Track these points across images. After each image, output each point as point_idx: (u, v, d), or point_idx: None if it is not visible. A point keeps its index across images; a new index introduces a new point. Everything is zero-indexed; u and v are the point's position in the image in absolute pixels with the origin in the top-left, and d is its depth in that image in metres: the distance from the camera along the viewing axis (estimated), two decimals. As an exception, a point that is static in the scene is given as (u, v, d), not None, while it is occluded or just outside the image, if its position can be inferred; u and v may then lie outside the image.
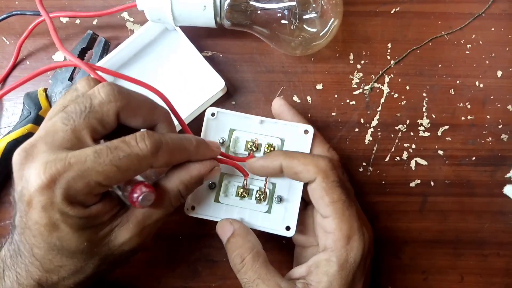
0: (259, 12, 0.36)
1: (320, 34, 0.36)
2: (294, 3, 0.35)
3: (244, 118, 0.35)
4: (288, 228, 0.34)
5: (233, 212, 0.35)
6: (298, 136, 0.34)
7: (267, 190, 0.35)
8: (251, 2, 0.36)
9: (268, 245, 0.34)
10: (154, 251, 0.40)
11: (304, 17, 0.35)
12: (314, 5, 0.35)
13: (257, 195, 0.34)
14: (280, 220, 0.34)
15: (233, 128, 0.35)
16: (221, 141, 0.35)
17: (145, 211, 0.29)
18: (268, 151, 0.34)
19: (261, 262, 0.31)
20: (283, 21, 0.35)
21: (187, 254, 0.40)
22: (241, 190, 0.35)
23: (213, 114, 0.35)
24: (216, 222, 0.34)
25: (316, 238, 0.33)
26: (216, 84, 0.38)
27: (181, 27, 0.38)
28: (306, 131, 0.34)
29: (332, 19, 0.36)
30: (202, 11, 0.35)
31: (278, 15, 0.35)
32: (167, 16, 0.36)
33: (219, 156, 0.33)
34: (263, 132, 0.35)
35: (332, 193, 0.31)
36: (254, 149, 0.35)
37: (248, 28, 0.37)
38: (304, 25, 0.36)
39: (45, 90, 0.39)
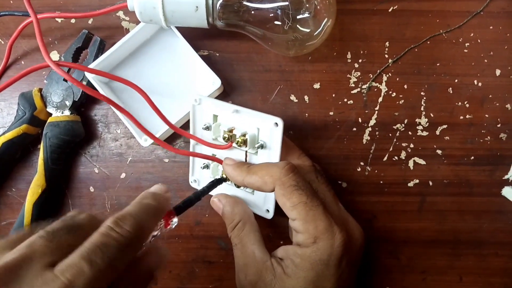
0: (252, 12, 0.35)
1: (314, 34, 0.36)
2: (287, 3, 0.34)
3: (222, 106, 0.36)
4: (267, 210, 0.36)
5: (225, 187, 0.38)
6: (269, 127, 0.34)
7: None
8: (243, 2, 0.35)
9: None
10: (151, 252, 0.40)
11: (298, 17, 0.35)
12: (307, 5, 0.35)
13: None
14: (262, 203, 0.37)
15: (216, 114, 0.36)
16: (206, 126, 0.37)
17: None
18: (240, 143, 0.35)
19: (245, 231, 0.34)
20: (276, 22, 0.35)
21: (184, 256, 0.40)
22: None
23: (197, 101, 0.36)
24: (205, 207, 0.39)
25: None
26: (212, 83, 0.38)
27: (176, 26, 0.38)
28: (276, 124, 0.34)
29: (326, 19, 0.36)
30: (194, 12, 0.35)
31: (271, 15, 0.35)
32: (159, 17, 0.35)
33: (203, 148, 0.36)
34: (240, 120, 0.35)
35: (291, 197, 0.31)
36: (230, 138, 0.35)
37: (241, 28, 0.37)
38: (297, 25, 0.35)
39: (40, 90, 0.39)
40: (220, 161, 0.36)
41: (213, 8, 0.35)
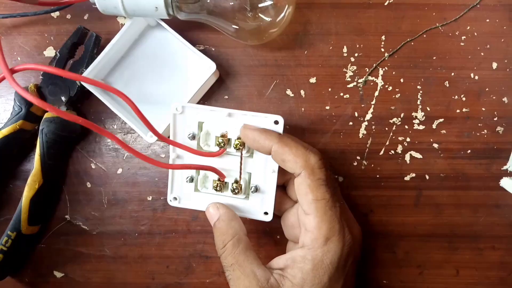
0: (211, 3, 0.35)
1: (275, 22, 0.36)
2: None
3: (211, 112, 0.34)
4: (266, 213, 0.35)
5: (213, 201, 0.35)
6: (268, 127, 0.33)
7: (242, 182, 0.35)
8: None
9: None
10: (148, 247, 0.40)
11: (259, 5, 0.35)
12: None
13: (233, 188, 0.35)
14: (258, 207, 0.35)
15: (201, 121, 0.35)
16: (191, 136, 0.35)
17: None
18: (238, 146, 0.34)
19: (241, 248, 0.32)
20: (237, 11, 0.35)
21: (181, 251, 0.40)
22: (218, 183, 0.35)
23: (178, 109, 0.34)
24: (200, 211, 0.36)
25: None
26: (207, 68, 0.37)
27: (169, 22, 0.38)
28: (276, 122, 0.33)
29: (286, 6, 0.36)
30: (155, 11, 0.35)
31: (231, 3, 0.34)
32: (120, 12, 0.36)
33: (193, 158, 0.34)
34: (233, 125, 0.34)
35: (316, 191, 0.30)
36: (224, 144, 0.34)
37: (203, 20, 0.37)
38: (258, 14, 0.35)
39: (36, 86, 0.39)
40: (218, 172, 0.34)
41: (172, 3, 0.35)
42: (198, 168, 0.34)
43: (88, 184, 0.41)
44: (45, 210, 0.40)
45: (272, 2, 0.35)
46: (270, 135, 0.32)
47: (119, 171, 0.40)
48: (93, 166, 0.41)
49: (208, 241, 0.40)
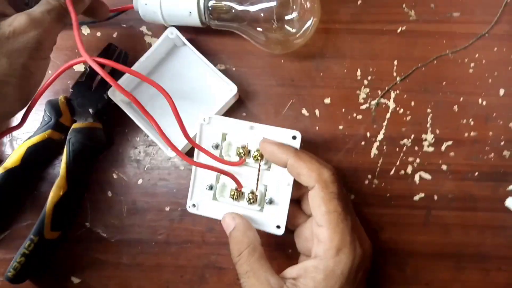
0: (240, 13, 0.38)
1: (300, 33, 0.38)
2: (274, 4, 0.37)
3: (235, 124, 0.37)
4: (278, 226, 0.37)
5: (229, 210, 0.37)
6: (286, 141, 0.36)
7: (258, 193, 0.37)
8: (230, 4, 0.38)
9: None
10: (164, 256, 0.42)
11: (285, 17, 0.37)
12: (294, 6, 0.37)
13: (249, 198, 0.37)
14: (271, 220, 0.37)
15: (225, 133, 0.37)
16: (214, 145, 0.37)
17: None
18: (257, 157, 0.36)
19: (256, 257, 0.33)
20: (264, 22, 0.37)
21: (195, 261, 0.42)
22: (235, 192, 0.37)
23: (206, 120, 0.37)
24: (215, 219, 0.38)
25: None
26: (229, 90, 0.40)
27: (194, 43, 0.41)
28: (294, 137, 0.36)
29: (311, 18, 0.38)
30: (188, 16, 0.39)
31: (260, 16, 0.37)
32: (159, 18, 0.40)
33: (215, 164, 0.36)
34: (254, 137, 0.37)
35: (329, 204, 0.32)
36: (244, 155, 0.36)
37: (233, 28, 0.40)
38: (285, 25, 0.37)
39: (66, 98, 0.41)
40: (237, 180, 0.36)
41: (204, 11, 0.38)
42: (220, 171, 0.36)
43: (109, 193, 0.42)
44: (67, 216, 0.41)
45: (297, 15, 0.37)
46: (287, 149, 0.34)
47: (140, 181, 0.42)
48: (115, 176, 0.42)
49: (222, 253, 0.41)
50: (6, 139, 0.44)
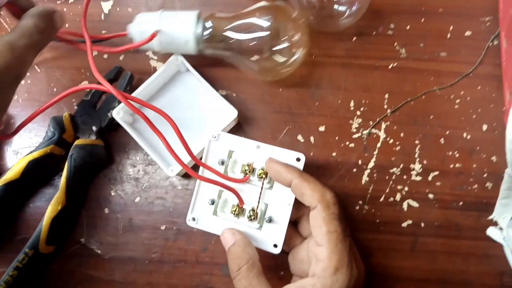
0: (233, 43, 0.40)
1: (289, 62, 0.41)
2: (267, 33, 0.39)
3: (243, 142, 0.39)
4: (275, 245, 0.37)
5: (228, 226, 0.38)
6: (290, 163, 0.37)
7: (258, 211, 0.38)
8: (225, 34, 0.40)
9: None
10: (157, 275, 0.42)
11: (275, 48, 0.40)
12: (285, 37, 0.40)
13: (249, 215, 0.38)
14: (269, 238, 0.38)
15: (232, 150, 0.39)
16: (220, 162, 0.39)
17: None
18: (261, 175, 0.38)
19: (254, 273, 0.34)
20: (255, 52, 0.40)
21: (188, 280, 0.42)
22: (236, 208, 0.38)
23: (215, 136, 0.39)
24: (213, 234, 0.38)
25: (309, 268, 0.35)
26: (229, 114, 0.42)
27: (196, 70, 0.43)
28: (298, 159, 0.37)
29: (301, 48, 0.41)
30: (184, 45, 0.41)
31: (250, 44, 0.40)
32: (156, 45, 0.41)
33: (219, 179, 0.37)
34: (259, 156, 0.38)
35: (329, 224, 0.33)
36: (249, 172, 0.38)
37: (226, 55, 0.42)
38: (275, 54, 0.40)
39: (70, 115, 0.43)
40: (239, 196, 0.37)
41: (202, 38, 0.40)
42: (224, 186, 0.37)
43: (106, 210, 0.43)
44: (64, 231, 0.42)
45: (286, 46, 0.40)
46: (292, 169, 0.36)
47: (137, 199, 0.43)
48: (112, 193, 0.43)
49: (215, 273, 0.42)
50: (7, 151, 0.44)
